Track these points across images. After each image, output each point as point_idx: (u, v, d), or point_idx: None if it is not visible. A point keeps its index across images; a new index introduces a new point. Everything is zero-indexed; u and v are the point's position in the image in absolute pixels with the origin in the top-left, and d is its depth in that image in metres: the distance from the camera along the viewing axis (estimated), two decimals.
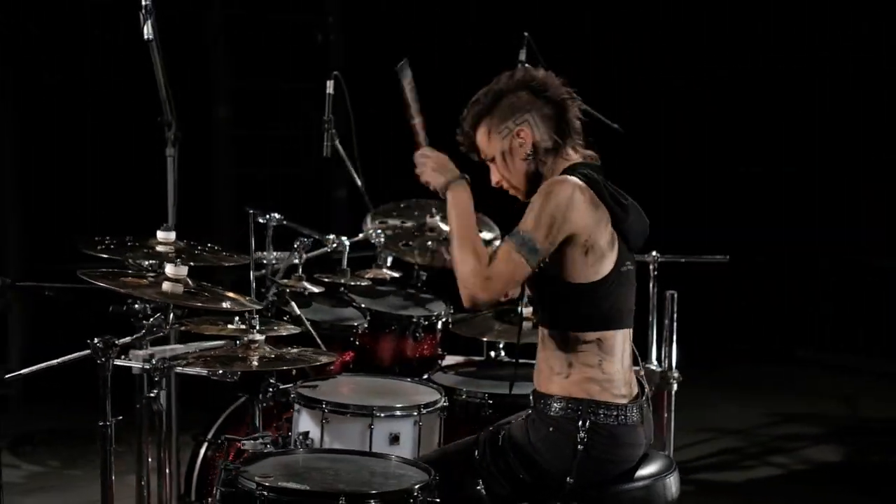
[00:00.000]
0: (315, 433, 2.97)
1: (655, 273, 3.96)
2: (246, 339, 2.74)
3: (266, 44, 6.98)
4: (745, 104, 7.44)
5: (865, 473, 5.27)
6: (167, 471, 3.08)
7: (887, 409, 6.54)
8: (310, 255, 3.72)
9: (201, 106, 6.94)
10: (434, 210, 3.94)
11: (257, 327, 2.78)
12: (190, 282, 2.65)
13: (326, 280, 3.61)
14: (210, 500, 2.47)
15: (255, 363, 2.74)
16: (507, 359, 3.85)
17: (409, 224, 3.95)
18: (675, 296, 3.80)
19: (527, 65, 2.80)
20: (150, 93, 3.42)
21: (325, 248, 3.67)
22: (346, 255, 3.66)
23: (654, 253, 3.95)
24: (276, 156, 7.21)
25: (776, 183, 7.58)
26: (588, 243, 2.60)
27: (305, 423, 3.01)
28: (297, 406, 3.05)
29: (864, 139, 7.28)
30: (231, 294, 2.73)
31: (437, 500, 2.48)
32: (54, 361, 2.66)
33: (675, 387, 3.80)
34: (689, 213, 7.39)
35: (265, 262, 3.71)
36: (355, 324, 3.55)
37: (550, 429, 2.64)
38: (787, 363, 7.54)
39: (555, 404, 2.66)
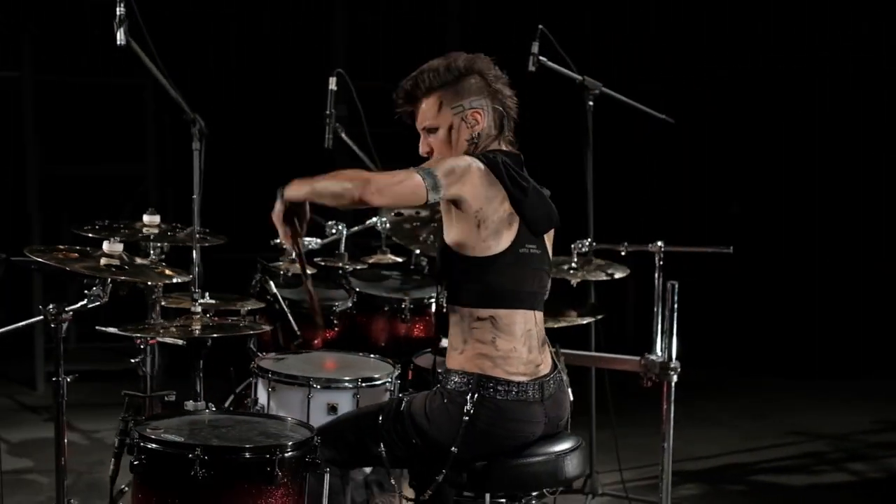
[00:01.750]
0: (263, 400, 3.27)
1: (661, 263, 3.97)
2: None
3: (384, 43, 7.35)
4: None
5: None
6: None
7: None
8: (324, 241, 4.04)
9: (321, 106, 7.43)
10: None
11: (199, 300, 3.11)
12: (125, 257, 3.02)
13: (323, 263, 3.90)
14: None
15: (197, 331, 3.06)
16: None
17: (423, 213, 4.17)
18: (676, 286, 3.80)
19: (482, 56, 2.95)
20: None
21: (336, 236, 3.95)
22: (343, 241, 3.94)
23: (658, 243, 3.97)
24: (395, 152, 7.58)
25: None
26: (480, 216, 2.74)
27: (259, 390, 3.32)
28: (255, 376, 3.36)
29: None
30: (166, 270, 3.10)
31: (318, 459, 2.71)
32: (14, 326, 3.09)
33: (674, 378, 3.80)
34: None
35: (284, 246, 4.04)
36: (337, 304, 3.82)
37: (445, 400, 2.81)
38: None
39: (452, 377, 2.82)
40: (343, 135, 4.05)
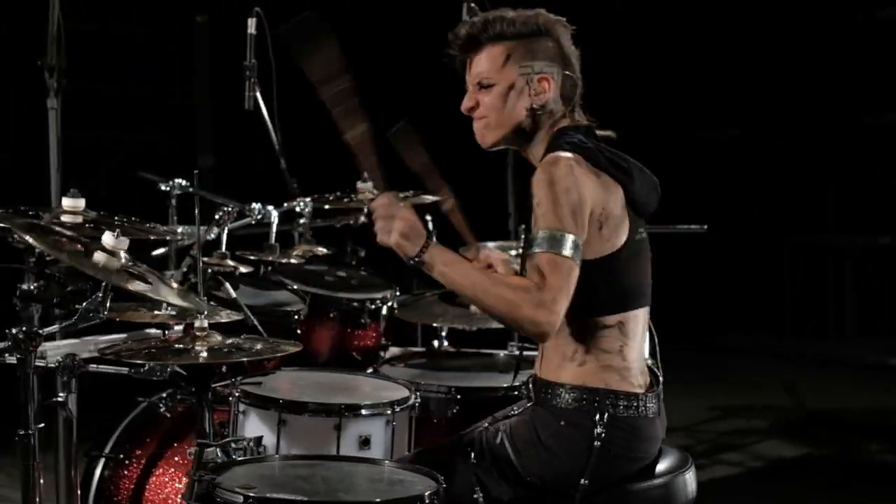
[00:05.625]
0: (269, 438, 2.85)
1: None
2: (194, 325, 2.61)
3: None
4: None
5: (821, 468, 5.52)
6: (78, 492, 2.94)
7: (829, 399, 6.89)
8: (235, 225, 3.60)
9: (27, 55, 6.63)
10: (365, 175, 3.88)
11: (204, 313, 2.65)
12: (127, 257, 2.50)
13: (252, 258, 3.49)
14: None
15: (204, 354, 2.61)
16: (452, 349, 3.83)
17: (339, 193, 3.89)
18: None
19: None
20: None
21: (249, 220, 3.55)
22: (273, 229, 3.55)
23: None
24: (121, 117, 6.94)
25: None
26: (602, 216, 2.57)
27: (255, 426, 2.89)
28: (240, 407, 2.93)
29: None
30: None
31: None
32: None
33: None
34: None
35: (169, 237, 3.56)
36: (295, 309, 3.44)
37: (561, 423, 2.60)
38: (713, 352, 7.86)
39: (565, 395, 2.62)
40: (258, 95, 3.62)
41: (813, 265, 8.44)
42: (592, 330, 2.62)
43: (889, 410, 6.72)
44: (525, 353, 3.24)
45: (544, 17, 2.72)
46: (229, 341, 2.68)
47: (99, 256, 2.44)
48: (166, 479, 3.28)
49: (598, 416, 2.60)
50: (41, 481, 2.52)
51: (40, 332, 2.44)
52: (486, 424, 2.74)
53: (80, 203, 2.94)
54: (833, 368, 7.74)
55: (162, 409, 3.38)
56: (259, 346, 2.64)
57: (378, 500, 2.30)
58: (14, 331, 2.42)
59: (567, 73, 2.70)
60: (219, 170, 6.91)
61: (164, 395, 3.40)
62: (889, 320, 8.30)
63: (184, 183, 3.65)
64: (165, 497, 3.25)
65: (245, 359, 2.56)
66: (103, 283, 2.44)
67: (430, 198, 3.82)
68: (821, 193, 8.35)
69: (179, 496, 3.08)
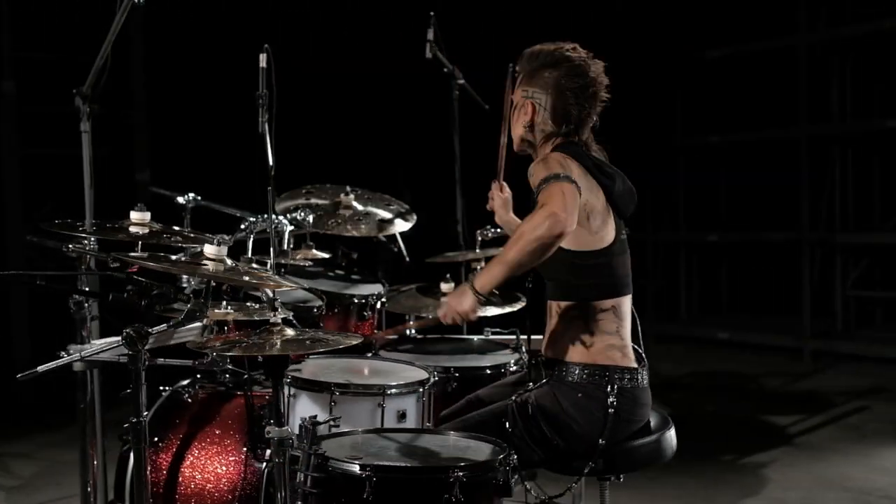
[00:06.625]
0: (322, 416, 2.83)
1: None
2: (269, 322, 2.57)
3: (55, 14, 6.40)
4: None
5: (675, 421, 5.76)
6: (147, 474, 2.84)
7: (676, 368, 7.21)
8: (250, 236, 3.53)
9: None
10: (348, 188, 3.88)
11: (279, 309, 2.61)
12: (229, 261, 2.45)
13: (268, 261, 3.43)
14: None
15: (278, 346, 2.57)
16: (419, 335, 3.86)
17: (324, 202, 3.85)
18: None
19: (583, 56, 2.81)
20: None
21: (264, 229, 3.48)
22: (286, 236, 3.50)
23: None
24: (69, 134, 6.63)
25: None
26: (588, 207, 2.66)
27: (306, 406, 2.87)
28: (290, 390, 2.90)
29: None
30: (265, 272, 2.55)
31: None
32: (76, 356, 2.36)
33: None
34: None
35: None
36: (316, 305, 3.41)
37: (579, 395, 2.70)
38: None
39: (576, 371, 2.71)
40: (266, 121, 3.55)
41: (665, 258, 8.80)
42: (592, 314, 2.72)
43: (719, 375, 7.10)
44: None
45: (559, 53, 2.81)
46: (302, 335, 2.64)
47: (209, 265, 2.39)
48: (198, 457, 3.21)
49: (609, 388, 2.70)
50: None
51: (150, 330, 2.35)
52: (515, 398, 2.79)
53: (146, 216, 2.86)
54: (675, 342, 8.11)
55: (185, 397, 3.31)
56: (330, 338, 2.60)
57: (464, 463, 2.32)
58: (128, 330, 2.33)
59: (557, 103, 2.79)
60: (154, 183, 6.66)
61: (186, 383, 3.33)
62: (726, 303, 8.72)
63: (197, 196, 3.55)
64: (200, 472, 3.18)
65: (322, 349, 2.52)
66: (205, 286, 2.39)
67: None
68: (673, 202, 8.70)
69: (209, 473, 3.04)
